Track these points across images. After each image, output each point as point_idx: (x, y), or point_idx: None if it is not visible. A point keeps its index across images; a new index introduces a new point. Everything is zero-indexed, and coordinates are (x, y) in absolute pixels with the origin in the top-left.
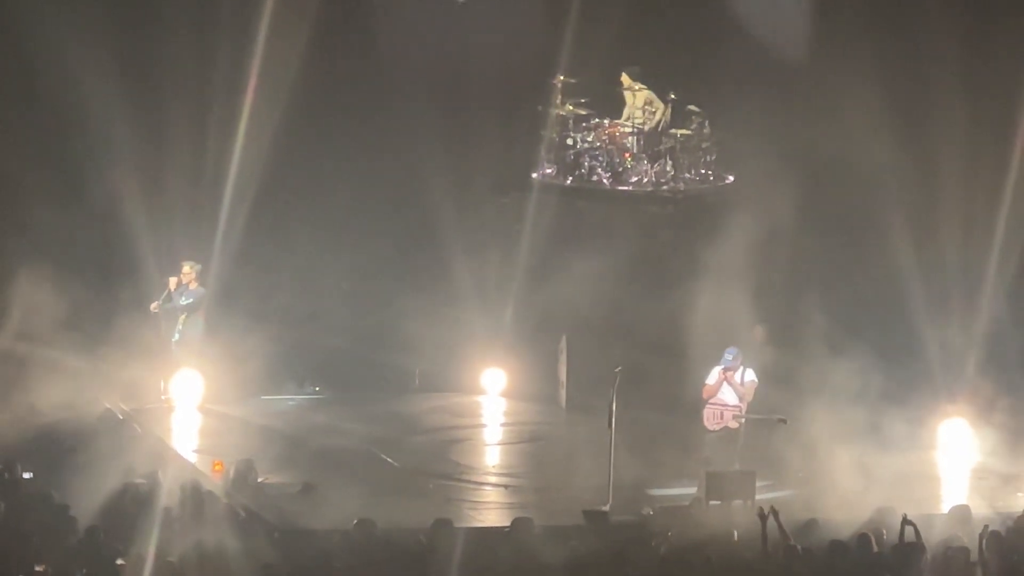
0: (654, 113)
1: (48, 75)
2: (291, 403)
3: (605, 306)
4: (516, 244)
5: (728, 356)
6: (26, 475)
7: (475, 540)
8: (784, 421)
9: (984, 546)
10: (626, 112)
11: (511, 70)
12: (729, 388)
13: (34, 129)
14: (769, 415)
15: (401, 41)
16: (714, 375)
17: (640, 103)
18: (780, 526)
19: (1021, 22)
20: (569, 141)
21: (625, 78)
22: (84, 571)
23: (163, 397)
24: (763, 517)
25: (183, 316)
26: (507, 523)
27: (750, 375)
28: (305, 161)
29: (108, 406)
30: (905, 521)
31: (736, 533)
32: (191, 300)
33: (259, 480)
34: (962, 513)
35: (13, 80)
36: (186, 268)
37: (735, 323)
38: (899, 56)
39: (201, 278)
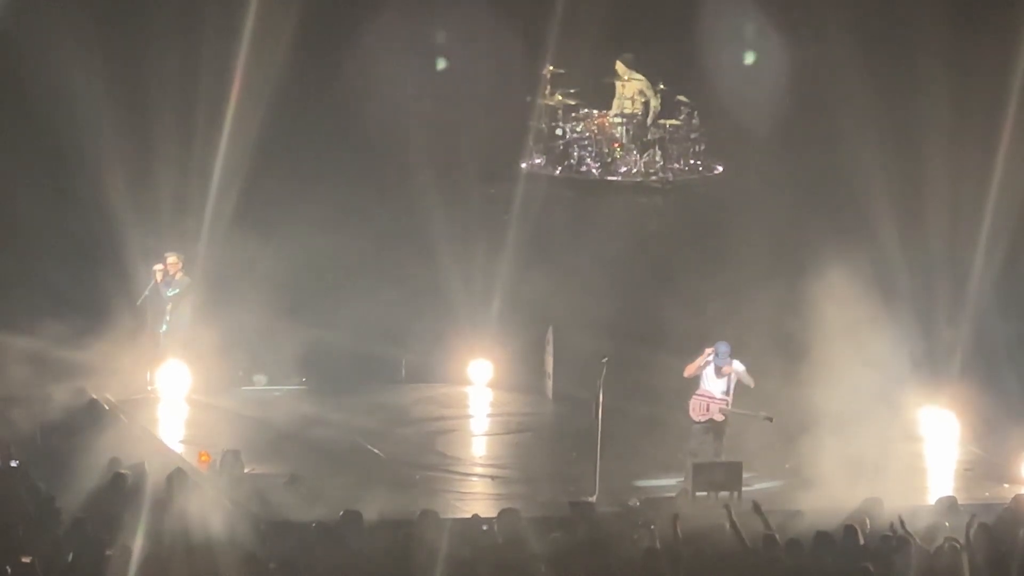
0: (646, 102)
1: (34, 67)
2: (277, 394)
3: (592, 297)
4: (503, 234)
5: (723, 349)
6: (13, 463)
7: (461, 531)
8: (770, 419)
9: (971, 537)
10: (616, 102)
11: (500, 60)
12: (716, 379)
13: (19, 119)
14: (755, 411)
15: (388, 31)
16: (700, 358)
17: (630, 93)
18: (762, 516)
19: (1008, 16)
20: (558, 131)
21: (619, 66)
22: (71, 562)
23: (149, 388)
24: (728, 509)
25: (170, 307)
26: (494, 514)
27: (739, 364)
28: (290, 152)
29: (94, 397)
30: (899, 523)
31: (728, 524)
32: (177, 291)
33: (245, 471)
34: (949, 504)
35: None
36: (172, 259)
37: (722, 314)
38: (887, 48)
39: (186, 268)
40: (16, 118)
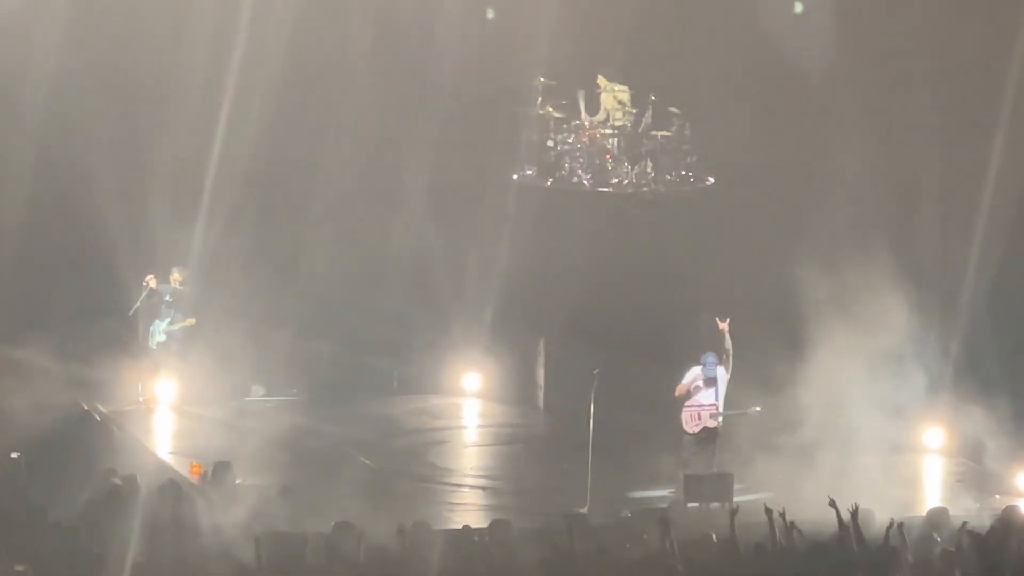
0: (636, 112)
1: (27, 74)
2: (269, 405)
3: (584, 308)
4: (495, 246)
5: (709, 359)
6: (14, 455)
7: (453, 542)
8: (759, 410)
9: (963, 547)
10: (602, 114)
11: (491, 71)
12: (705, 390)
13: (11, 129)
14: (743, 409)
15: (381, 42)
16: (689, 375)
17: (611, 104)
18: (771, 524)
19: (997, 20)
20: (550, 143)
21: (601, 80)
22: (64, 571)
23: (141, 399)
24: (730, 515)
25: (168, 318)
26: (485, 525)
27: (721, 371)
28: (284, 163)
29: (86, 408)
30: (891, 525)
31: (717, 534)
32: (174, 299)
33: (237, 482)
34: (940, 515)
35: None
36: (176, 276)
37: (714, 325)
38: (877, 56)
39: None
40: (8, 125)
